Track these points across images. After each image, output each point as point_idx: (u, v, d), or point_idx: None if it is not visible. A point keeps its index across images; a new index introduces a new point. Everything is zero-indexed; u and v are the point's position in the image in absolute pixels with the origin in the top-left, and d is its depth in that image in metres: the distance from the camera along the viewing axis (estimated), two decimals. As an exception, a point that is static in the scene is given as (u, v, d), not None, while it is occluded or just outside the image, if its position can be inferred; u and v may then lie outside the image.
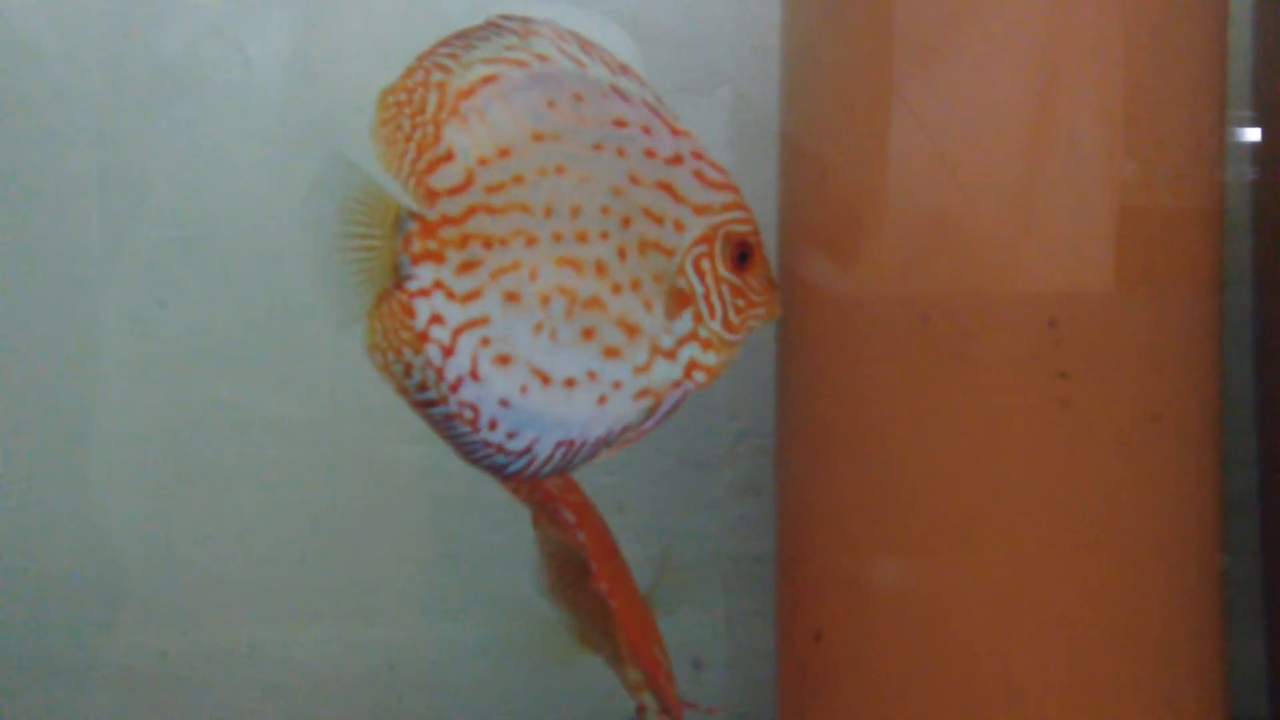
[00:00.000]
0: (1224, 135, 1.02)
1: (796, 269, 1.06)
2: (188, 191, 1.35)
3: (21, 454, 1.36)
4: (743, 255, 0.93)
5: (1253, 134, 1.21)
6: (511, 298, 0.90)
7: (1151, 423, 0.96)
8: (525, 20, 0.91)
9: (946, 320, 0.96)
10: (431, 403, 0.90)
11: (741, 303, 0.93)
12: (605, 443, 0.92)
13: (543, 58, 0.90)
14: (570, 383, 0.91)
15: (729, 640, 1.41)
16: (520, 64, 0.90)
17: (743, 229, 0.92)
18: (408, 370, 0.90)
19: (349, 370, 0.95)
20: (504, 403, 0.91)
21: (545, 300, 0.90)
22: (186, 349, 1.36)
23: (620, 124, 0.90)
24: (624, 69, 0.91)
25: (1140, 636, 0.96)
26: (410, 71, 0.91)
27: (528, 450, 0.91)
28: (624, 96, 0.90)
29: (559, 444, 0.91)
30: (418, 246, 0.90)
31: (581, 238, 0.90)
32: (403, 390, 0.91)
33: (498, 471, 0.92)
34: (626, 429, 0.92)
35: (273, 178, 1.32)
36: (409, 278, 0.90)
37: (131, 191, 1.35)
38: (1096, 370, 0.94)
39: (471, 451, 0.91)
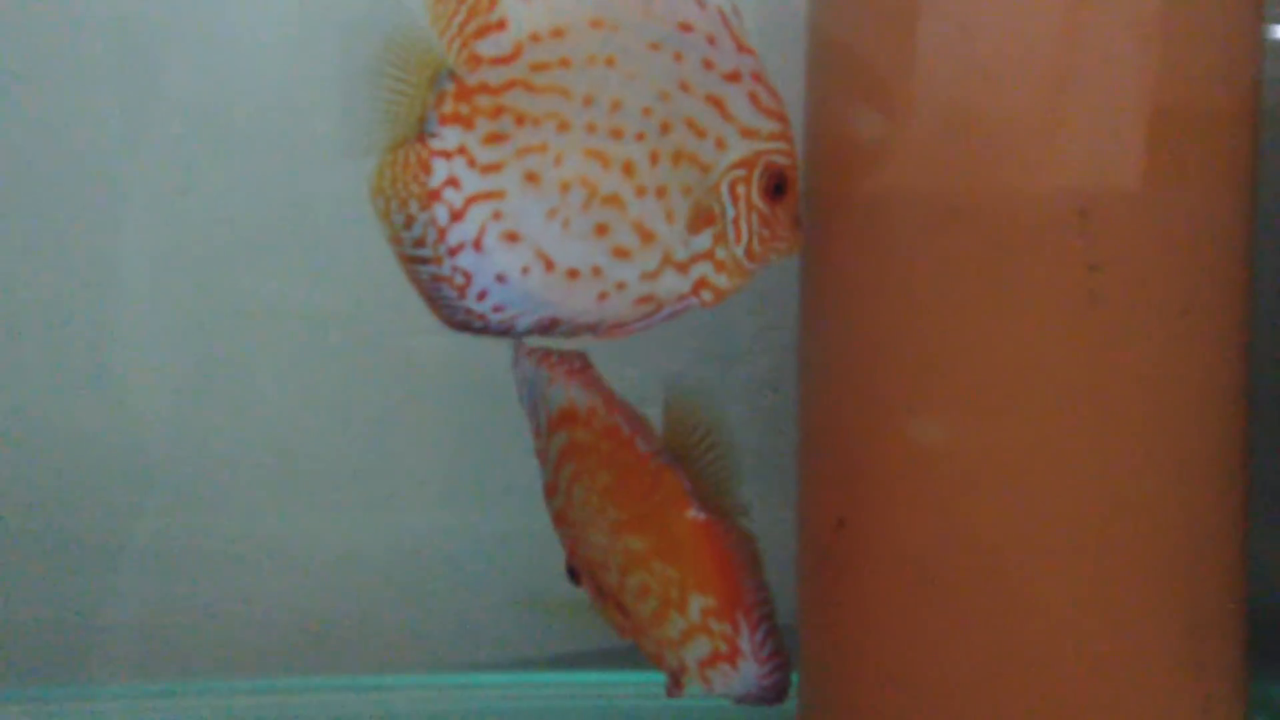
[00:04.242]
0: (1259, 32, 1.00)
1: (824, 161, 1.05)
2: (207, 76, 1.34)
3: (48, 343, 1.37)
4: (778, 187, 0.91)
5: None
6: (531, 178, 0.89)
7: (1180, 317, 0.96)
8: None
9: (976, 212, 0.95)
10: (424, 260, 0.90)
11: (767, 233, 0.92)
12: (590, 328, 0.92)
13: None
14: (573, 274, 0.91)
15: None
16: None
17: (784, 161, 0.91)
18: (408, 223, 0.90)
19: (371, 260, 0.95)
20: (501, 278, 0.90)
21: (565, 188, 0.89)
22: (209, 237, 1.36)
23: (686, 28, 0.88)
24: None
25: (1163, 531, 0.97)
26: None
27: (509, 321, 0.92)
28: (700, 0, 0.88)
29: (541, 319, 0.92)
30: (449, 107, 0.89)
31: (616, 134, 0.89)
32: (396, 240, 0.90)
33: (472, 330, 0.92)
34: (618, 325, 0.92)
35: (293, 62, 1.30)
36: (433, 135, 0.89)
37: (149, 76, 1.34)
38: (1127, 263, 0.94)
39: (452, 315, 0.91)
